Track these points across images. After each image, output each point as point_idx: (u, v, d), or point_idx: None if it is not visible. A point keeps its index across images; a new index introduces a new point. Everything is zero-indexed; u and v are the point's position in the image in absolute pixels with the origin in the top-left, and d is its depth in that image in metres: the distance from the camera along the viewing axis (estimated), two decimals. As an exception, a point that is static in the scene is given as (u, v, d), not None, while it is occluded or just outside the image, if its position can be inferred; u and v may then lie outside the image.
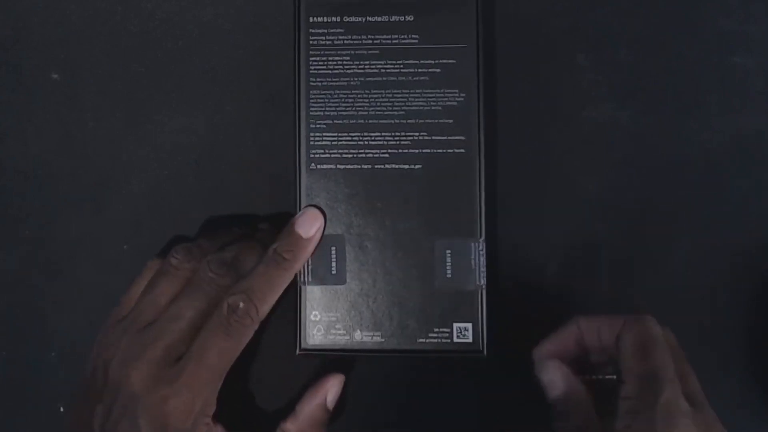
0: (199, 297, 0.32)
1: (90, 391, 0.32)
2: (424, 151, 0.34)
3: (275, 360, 0.36)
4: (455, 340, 0.34)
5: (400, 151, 0.35)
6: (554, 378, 0.31)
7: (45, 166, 0.38)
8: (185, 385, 0.30)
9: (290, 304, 0.35)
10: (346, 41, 0.35)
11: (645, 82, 0.37)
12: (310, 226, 0.34)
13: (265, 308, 0.32)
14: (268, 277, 0.33)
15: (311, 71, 0.35)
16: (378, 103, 0.35)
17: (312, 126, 0.35)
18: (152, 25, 0.38)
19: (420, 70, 0.35)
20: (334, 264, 0.34)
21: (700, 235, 0.37)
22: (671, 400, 0.28)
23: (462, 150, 0.34)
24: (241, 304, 0.31)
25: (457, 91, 0.34)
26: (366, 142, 0.35)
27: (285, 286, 0.33)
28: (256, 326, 0.32)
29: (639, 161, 0.37)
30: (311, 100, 0.35)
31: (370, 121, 0.35)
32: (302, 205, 0.35)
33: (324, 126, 0.35)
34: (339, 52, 0.35)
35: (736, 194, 0.37)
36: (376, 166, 0.35)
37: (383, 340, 0.34)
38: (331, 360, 0.36)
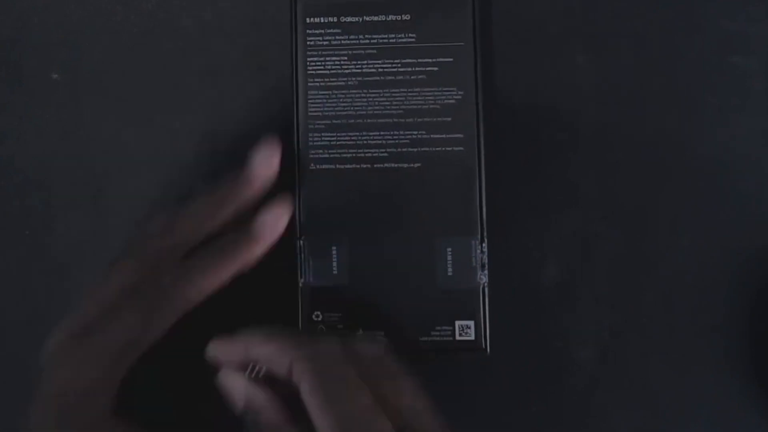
0: None
1: None
2: (422, 149, 0.35)
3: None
4: (457, 338, 0.34)
5: (399, 150, 0.35)
6: (233, 389, 0.29)
7: (45, 166, 0.38)
8: (74, 357, 0.29)
9: (291, 304, 0.35)
10: (343, 41, 0.35)
11: (645, 82, 0.37)
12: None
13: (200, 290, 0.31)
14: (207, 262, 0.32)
15: (309, 72, 0.35)
16: (376, 103, 0.35)
17: (311, 126, 0.35)
18: (152, 25, 0.38)
19: (418, 69, 0.35)
20: (335, 263, 0.34)
21: (700, 235, 0.37)
22: None
23: (461, 148, 0.34)
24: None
25: (455, 89, 0.34)
26: (365, 142, 0.35)
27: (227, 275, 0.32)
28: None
29: (639, 161, 0.37)
30: (309, 101, 0.35)
31: (368, 121, 0.35)
32: (302, 206, 0.35)
33: (323, 126, 0.35)
34: (336, 52, 0.35)
35: (737, 194, 0.37)
36: (375, 166, 0.35)
37: (385, 339, 0.34)
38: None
